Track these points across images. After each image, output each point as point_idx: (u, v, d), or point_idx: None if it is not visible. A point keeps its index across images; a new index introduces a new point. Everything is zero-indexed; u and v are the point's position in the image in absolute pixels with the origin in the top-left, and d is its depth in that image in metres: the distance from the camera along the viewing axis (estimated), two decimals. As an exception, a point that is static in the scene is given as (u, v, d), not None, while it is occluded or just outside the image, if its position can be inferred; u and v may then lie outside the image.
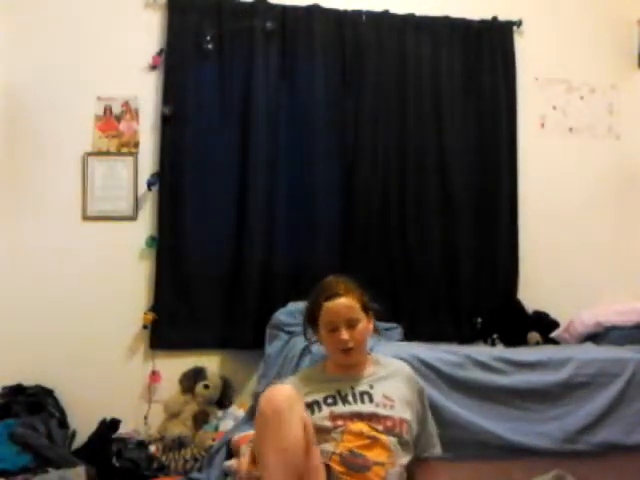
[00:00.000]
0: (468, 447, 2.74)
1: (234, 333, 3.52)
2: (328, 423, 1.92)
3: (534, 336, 3.59)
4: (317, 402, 1.98)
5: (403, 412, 2.00)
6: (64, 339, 3.41)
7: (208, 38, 3.51)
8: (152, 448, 3.21)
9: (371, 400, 1.98)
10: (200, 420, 3.33)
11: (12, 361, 3.33)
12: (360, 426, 1.91)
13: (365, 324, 2.08)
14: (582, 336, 3.49)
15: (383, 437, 1.91)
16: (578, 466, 2.79)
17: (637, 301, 3.56)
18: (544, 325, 3.65)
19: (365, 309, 2.10)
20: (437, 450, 2.17)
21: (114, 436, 3.16)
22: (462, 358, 2.88)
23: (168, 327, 3.50)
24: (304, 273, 3.56)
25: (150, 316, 3.45)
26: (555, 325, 3.65)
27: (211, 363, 3.53)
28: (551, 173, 3.92)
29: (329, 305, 2.02)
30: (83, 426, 3.23)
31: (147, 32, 3.56)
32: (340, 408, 1.95)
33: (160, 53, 3.56)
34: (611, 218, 3.96)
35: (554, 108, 3.94)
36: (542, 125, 3.94)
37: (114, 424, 3.19)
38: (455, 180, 3.76)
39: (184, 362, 3.49)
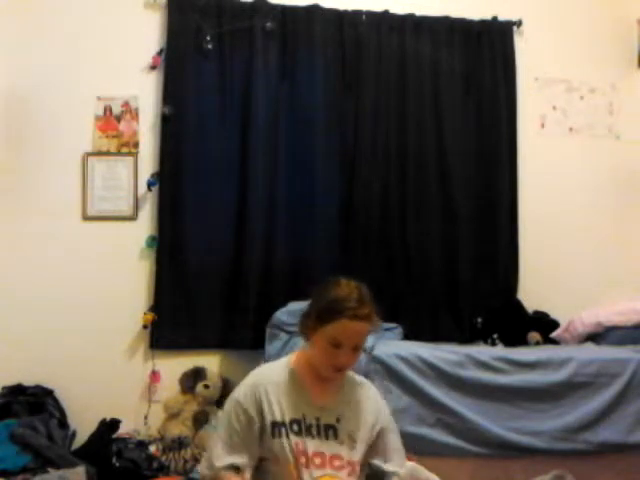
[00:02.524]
0: (468, 446, 2.75)
1: (234, 333, 3.52)
2: (291, 456, 1.75)
3: (534, 336, 3.58)
4: (284, 425, 1.78)
5: (361, 453, 1.84)
6: (64, 339, 3.41)
7: (208, 38, 3.51)
8: (152, 448, 3.21)
9: (335, 437, 1.81)
10: (200, 420, 3.33)
11: (12, 361, 3.33)
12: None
13: (362, 349, 1.88)
14: (582, 336, 3.49)
15: None
16: (578, 466, 2.79)
17: (637, 301, 3.56)
18: (544, 325, 3.65)
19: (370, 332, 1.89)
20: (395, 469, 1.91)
21: (114, 436, 3.17)
22: (462, 357, 2.90)
23: (168, 327, 3.50)
24: (304, 273, 3.57)
25: (150, 316, 3.45)
26: (555, 325, 3.65)
27: (211, 363, 3.53)
28: (551, 173, 3.91)
29: (348, 325, 1.77)
30: (83, 426, 3.24)
31: (147, 32, 3.56)
32: (304, 441, 1.78)
33: (160, 53, 3.56)
34: (611, 218, 3.95)
35: (554, 108, 3.94)
36: (542, 125, 3.94)
37: (114, 424, 3.19)
38: (455, 180, 3.76)
39: (184, 362, 3.49)
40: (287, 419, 1.79)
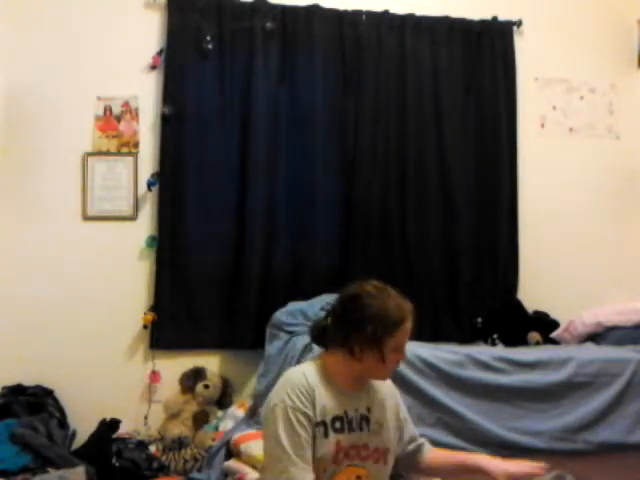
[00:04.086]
0: (468, 446, 2.75)
1: (234, 333, 3.52)
2: (330, 455, 1.76)
3: (534, 336, 3.59)
4: (324, 424, 1.77)
5: (391, 440, 1.90)
6: (64, 339, 3.41)
7: (208, 38, 3.51)
8: (152, 448, 3.21)
9: (368, 426, 1.85)
10: (200, 420, 3.33)
11: (12, 361, 3.33)
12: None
13: None
14: (582, 336, 3.49)
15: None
16: (578, 466, 2.79)
17: (637, 301, 3.56)
18: (544, 325, 3.65)
19: None
20: (419, 440, 2.05)
21: (114, 436, 3.16)
22: (463, 357, 2.90)
23: (168, 327, 3.49)
24: (304, 273, 3.57)
25: (150, 316, 3.45)
26: (555, 325, 3.65)
27: (211, 363, 3.53)
28: (551, 173, 3.92)
29: (408, 326, 1.82)
30: (83, 426, 3.23)
31: (147, 32, 3.56)
32: (345, 437, 1.79)
33: (160, 53, 3.56)
34: (611, 218, 3.96)
35: (554, 108, 3.94)
36: (542, 125, 3.94)
37: (114, 424, 3.19)
38: (455, 180, 3.76)
39: (184, 362, 3.49)
40: (329, 418, 1.79)
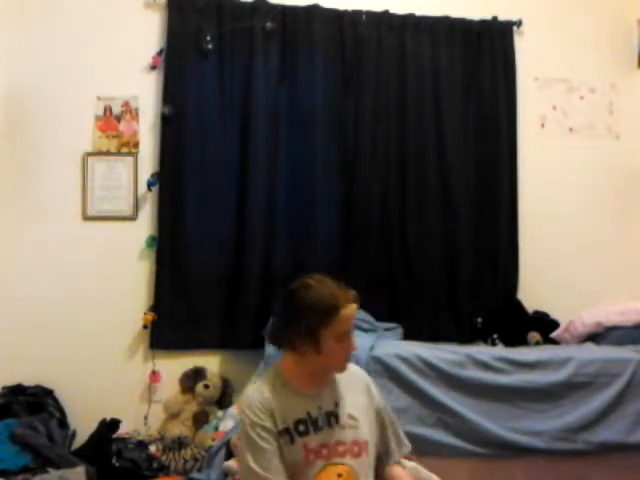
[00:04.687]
0: (468, 446, 2.75)
1: (234, 333, 3.52)
2: (301, 460, 1.77)
3: (534, 336, 3.59)
4: (288, 431, 1.78)
5: (367, 431, 1.87)
6: (64, 339, 3.41)
7: (208, 38, 3.51)
8: (152, 448, 3.21)
9: (337, 421, 1.83)
10: (200, 420, 3.33)
11: (12, 361, 3.33)
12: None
13: None
14: (582, 336, 3.49)
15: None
16: (578, 466, 2.79)
17: (637, 301, 3.56)
18: (544, 325, 3.65)
19: None
20: (406, 447, 2.01)
21: (114, 436, 3.17)
22: (462, 357, 2.90)
23: (168, 327, 3.50)
24: (304, 273, 3.55)
25: (150, 316, 3.45)
26: (555, 325, 3.65)
27: (211, 363, 3.54)
28: (551, 173, 3.92)
29: (346, 312, 1.80)
30: (83, 426, 3.23)
31: (147, 32, 3.56)
32: (312, 438, 1.79)
33: (160, 53, 3.56)
34: (611, 218, 3.95)
35: (554, 108, 3.94)
36: (542, 125, 3.94)
37: (114, 424, 3.19)
38: (455, 180, 3.76)
39: (184, 362, 3.49)
40: (291, 423, 1.79)
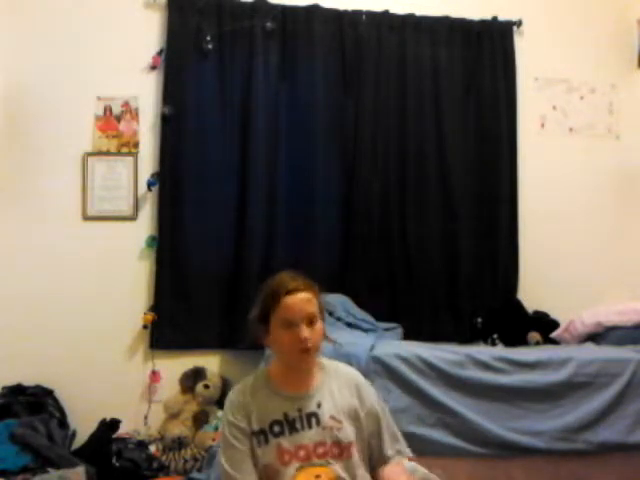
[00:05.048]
0: (468, 446, 2.75)
1: (234, 333, 3.52)
2: (275, 460, 1.77)
3: (534, 336, 3.58)
4: (263, 432, 1.80)
5: (351, 433, 1.83)
6: (64, 339, 3.42)
7: (208, 38, 3.51)
8: (152, 448, 3.21)
9: (318, 423, 1.81)
10: (200, 420, 3.33)
11: (12, 361, 3.33)
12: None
13: (321, 325, 1.87)
14: (582, 336, 3.49)
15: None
16: (578, 466, 2.79)
17: (637, 301, 3.56)
18: (544, 325, 3.65)
19: (320, 310, 1.90)
20: (404, 452, 1.95)
21: (114, 436, 3.17)
22: (462, 357, 2.89)
23: (168, 327, 3.50)
24: (304, 273, 3.55)
25: (150, 316, 3.45)
26: (555, 325, 3.65)
27: (211, 363, 3.54)
28: (551, 173, 3.92)
29: (289, 300, 1.82)
30: (83, 426, 3.24)
31: (147, 32, 3.57)
32: (287, 439, 1.79)
33: (160, 53, 3.56)
34: (611, 218, 3.95)
35: (554, 108, 3.94)
36: (542, 125, 3.94)
37: (114, 424, 3.19)
38: (455, 180, 3.76)
39: (184, 362, 3.49)
40: (267, 424, 1.81)
